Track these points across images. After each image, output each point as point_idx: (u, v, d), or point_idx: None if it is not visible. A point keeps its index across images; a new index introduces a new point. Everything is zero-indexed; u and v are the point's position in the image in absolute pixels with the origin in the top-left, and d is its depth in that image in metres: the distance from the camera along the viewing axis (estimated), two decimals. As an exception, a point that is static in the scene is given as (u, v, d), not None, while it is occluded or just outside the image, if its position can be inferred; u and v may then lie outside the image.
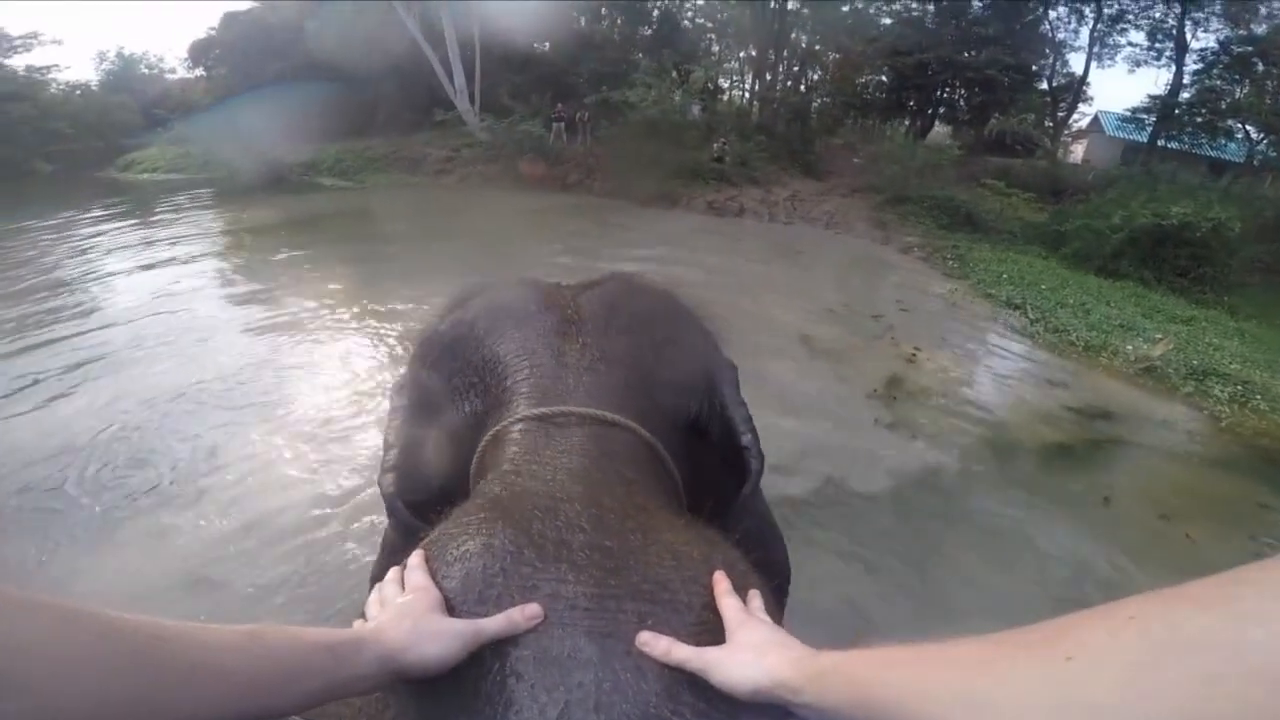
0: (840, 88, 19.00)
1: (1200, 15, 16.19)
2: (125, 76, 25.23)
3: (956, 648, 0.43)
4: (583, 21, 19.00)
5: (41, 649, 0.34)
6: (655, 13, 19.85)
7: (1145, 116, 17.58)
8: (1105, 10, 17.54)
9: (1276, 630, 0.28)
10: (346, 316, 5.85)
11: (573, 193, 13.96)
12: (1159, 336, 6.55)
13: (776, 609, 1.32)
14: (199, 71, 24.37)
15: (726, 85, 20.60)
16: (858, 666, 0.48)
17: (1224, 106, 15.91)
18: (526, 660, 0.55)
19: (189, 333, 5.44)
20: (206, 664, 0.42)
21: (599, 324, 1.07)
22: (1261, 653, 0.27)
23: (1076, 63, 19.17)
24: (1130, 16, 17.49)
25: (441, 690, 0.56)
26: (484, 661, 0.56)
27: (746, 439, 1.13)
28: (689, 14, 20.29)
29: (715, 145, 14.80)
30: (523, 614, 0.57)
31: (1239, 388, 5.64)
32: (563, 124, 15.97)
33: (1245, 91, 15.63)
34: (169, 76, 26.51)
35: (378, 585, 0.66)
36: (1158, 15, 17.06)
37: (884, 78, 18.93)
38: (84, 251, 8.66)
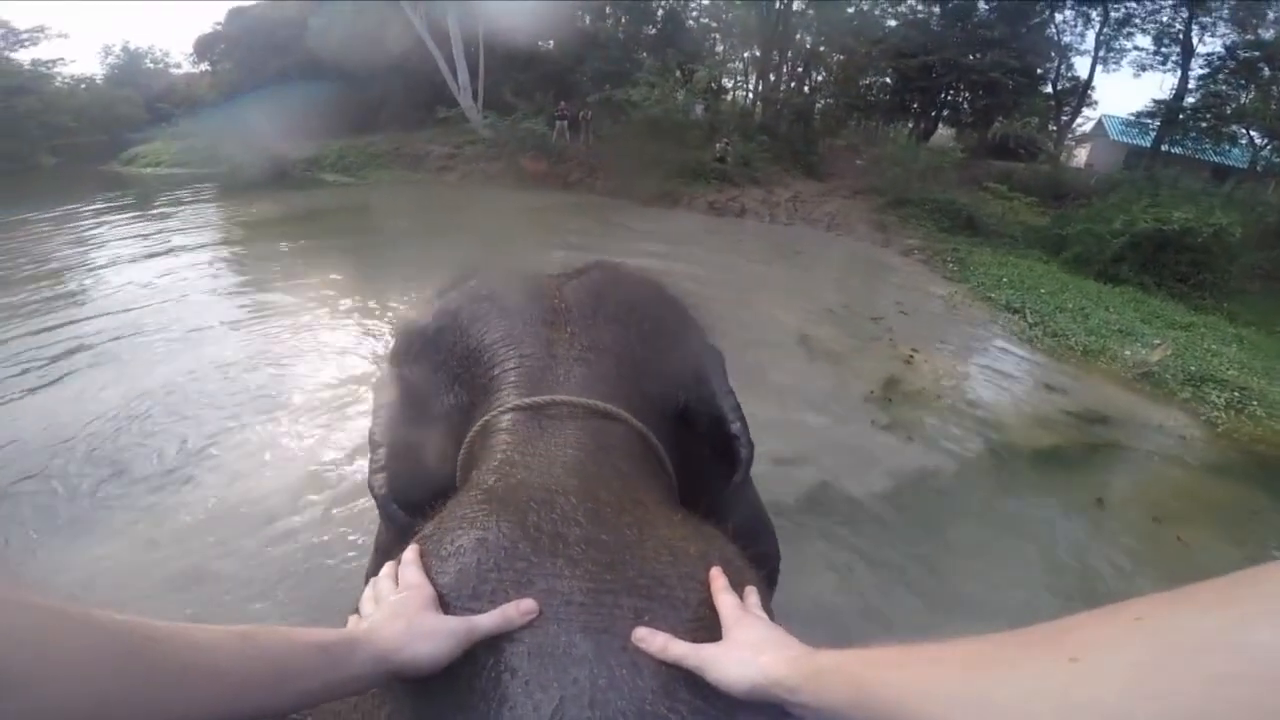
0: (844, 89, 18.95)
1: (1207, 20, 16.13)
2: (130, 71, 25.29)
3: (957, 648, 0.42)
4: (587, 20, 18.98)
5: (34, 648, 0.34)
6: (660, 12, 19.83)
7: (1149, 121, 17.52)
8: (1112, 14, 17.48)
9: None
10: (345, 311, 5.87)
11: (574, 191, 13.96)
12: (1157, 342, 6.55)
13: (767, 598, 1.32)
14: (204, 66, 24.40)
15: (730, 85, 20.56)
16: (856, 666, 0.48)
17: (1229, 111, 15.83)
18: (521, 656, 0.55)
19: (186, 324, 5.47)
20: (198, 665, 0.42)
21: (586, 312, 1.05)
22: (1268, 654, 0.27)
23: (1082, 66, 19.05)
24: (1137, 20, 17.43)
25: (437, 687, 0.56)
26: (479, 657, 0.56)
27: (735, 427, 1.12)
28: (693, 13, 20.26)
29: (718, 145, 14.78)
30: (517, 609, 0.57)
31: (1236, 394, 5.64)
32: (565, 122, 15.97)
33: (1250, 97, 15.56)
34: (174, 71, 26.60)
35: (372, 581, 0.66)
36: (1164, 19, 17.01)
37: (888, 79, 18.86)
38: (85, 243, 8.69)
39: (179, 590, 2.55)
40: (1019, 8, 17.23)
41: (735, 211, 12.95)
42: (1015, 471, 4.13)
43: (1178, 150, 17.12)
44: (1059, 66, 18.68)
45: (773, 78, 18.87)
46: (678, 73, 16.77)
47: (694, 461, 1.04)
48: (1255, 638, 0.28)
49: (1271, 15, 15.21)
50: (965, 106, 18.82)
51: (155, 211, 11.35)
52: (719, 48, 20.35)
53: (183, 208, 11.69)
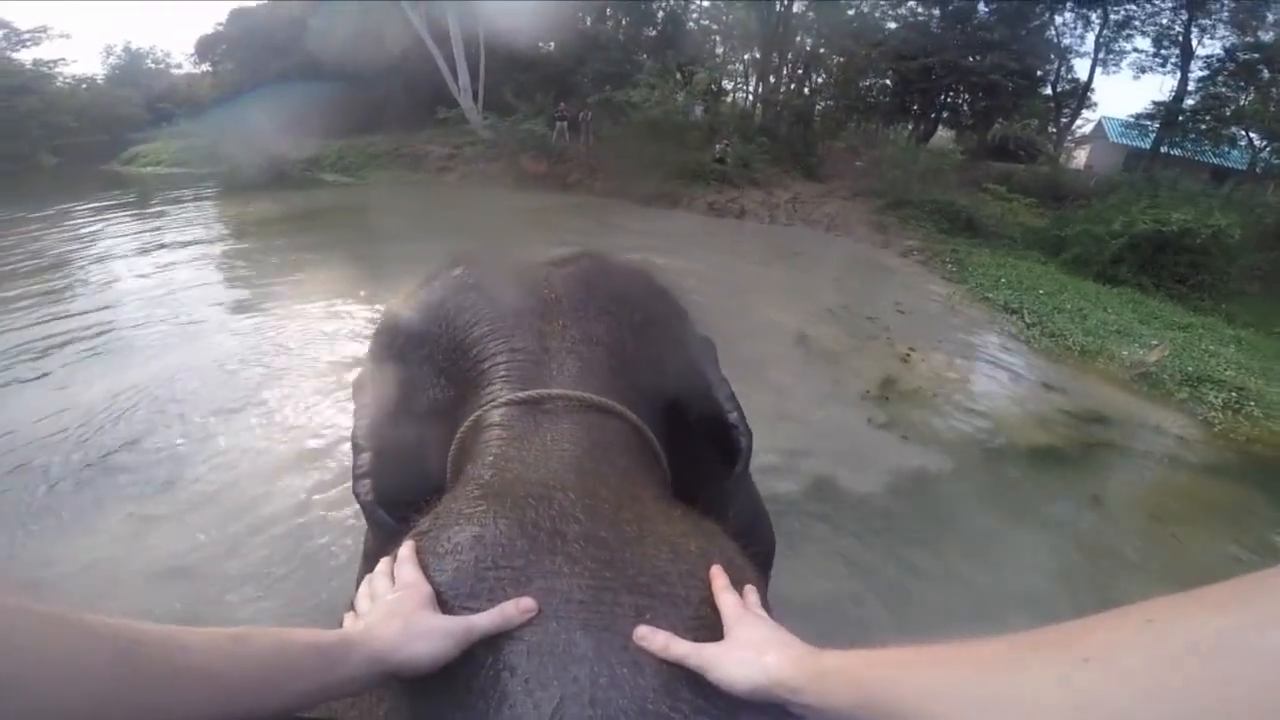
0: (844, 91, 18.97)
1: (1206, 22, 16.16)
2: (131, 71, 25.35)
3: (964, 649, 0.42)
4: (588, 21, 19.02)
5: (27, 652, 0.34)
6: (660, 14, 19.87)
7: (1149, 123, 17.53)
8: (1111, 16, 17.50)
9: None
10: (341, 309, 5.87)
11: (574, 192, 13.98)
12: (1155, 343, 6.55)
13: (766, 596, 1.30)
14: (205, 67, 24.49)
15: (730, 87, 20.60)
16: (861, 666, 0.47)
17: (1228, 113, 15.85)
18: (521, 654, 0.54)
19: (182, 320, 5.48)
20: (190, 667, 0.42)
21: (577, 303, 1.02)
22: (1279, 656, 0.27)
23: (1081, 68, 19.06)
24: (1136, 23, 17.46)
25: (435, 686, 0.55)
26: (478, 656, 0.55)
27: (733, 417, 1.09)
28: (694, 15, 20.32)
29: (717, 147, 14.80)
30: (517, 608, 0.56)
31: (1233, 394, 5.64)
32: (565, 123, 15.99)
33: (1250, 99, 15.57)
34: (175, 72, 26.67)
35: (367, 578, 0.65)
36: (1164, 21, 17.03)
37: (888, 81, 18.87)
38: (83, 240, 8.71)
39: (167, 584, 2.54)
40: (1019, 10, 17.24)
41: (735, 213, 12.97)
42: (1012, 470, 4.14)
43: (1177, 152, 17.13)
44: (1059, 68, 18.72)
45: (773, 80, 18.90)
46: (678, 74, 16.80)
47: (687, 454, 1.02)
48: (1266, 640, 0.28)
49: (1271, 18, 15.24)
50: (965, 108, 18.85)
51: (154, 210, 11.38)
52: (719, 50, 20.40)
53: (181, 207, 11.72)
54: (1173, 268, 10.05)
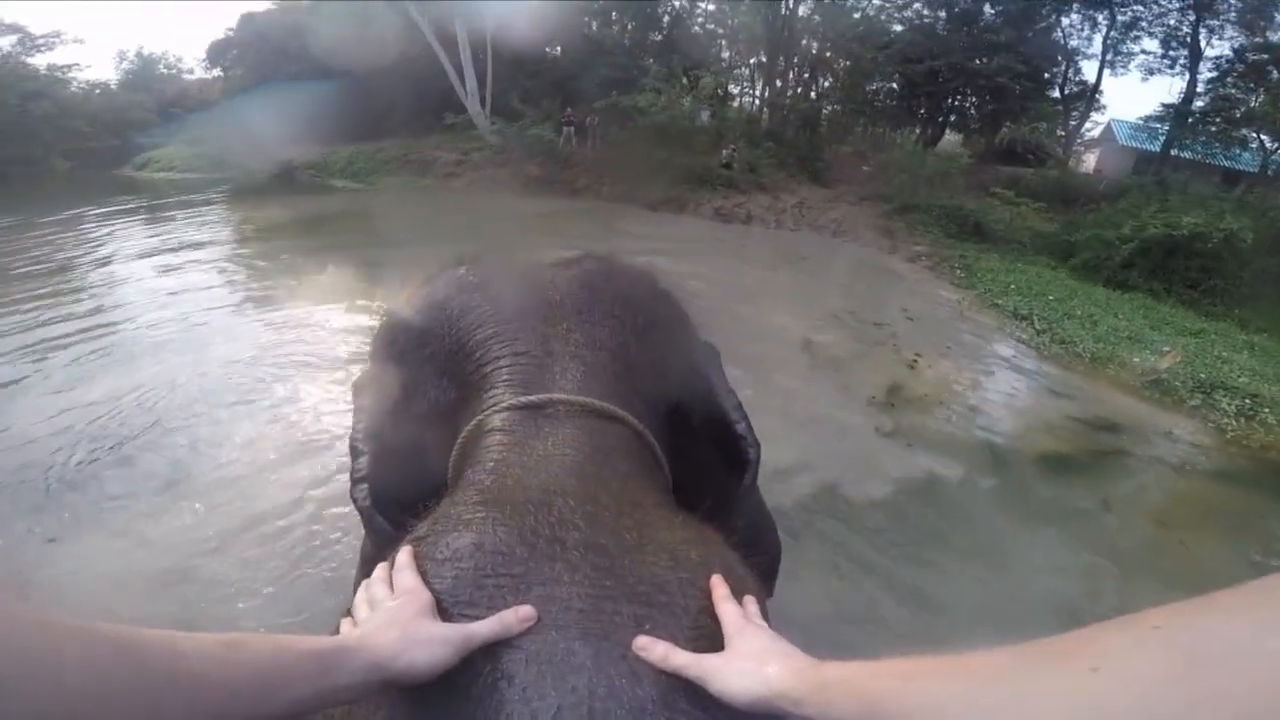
0: (850, 95, 18.94)
1: (1215, 23, 16.02)
2: (144, 76, 25.56)
3: (969, 659, 0.41)
4: (594, 26, 19.10)
5: (21, 656, 0.34)
6: (666, 18, 19.91)
7: (1159, 125, 17.40)
8: (1119, 18, 17.39)
9: None
10: (348, 314, 5.91)
11: (581, 197, 14.02)
12: (1167, 349, 6.50)
13: (766, 606, 1.30)
14: (216, 72, 24.70)
15: (736, 91, 20.60)
16: (864, 678, 0.46)
17: (1239, 115, 15.72)
18: (519, 663, 0.54)
19: (191, 326, 5.53)
20: (185, 673, 0.42)
21: (580, 306, 1.01)
22: None
23: (1089, 70, 18.95)
24: (1144, 24, 17.32)
25: (432, 694, 0.55)
26: (476, 664, 0.54)
27: (741, 427, 1.08)
28: (699, 19, 20.33)
29: (724, 151, 14.81)
30: (516, 616, 0.55)
31: (1247, 401, 5.59)
32: (572, 128, 16.03)
33: (1260, 100, 15.44)
34: (187, 77, 26.88)
35: (364, 584, 0.64)
36: (1172, 23, 16.91)
37: (894, 85, 18.83)
38: (96, 243, 8.81)
39: (167, 587, 2.55)
40: (1025, 12, 17.16)
41: (741, 218, 12.96)
42: (1020, 477, 4.12)
43: (1187, 155, 16.99)
44: (1066, 71, 18.60)
45: (779, 84, 18.88)
46: (684, 79, 16.84)
47: (690, 461, 1.02)
48: (1273, 645, 0.28)
49: (1279, 18, 15.09)
50: (972, 112, 18.78)
51: (167, 216, 11.49)
52: (725, 54, 20.38)
53: (193, 212, 11.82)
54: (1184, 272, 9.96)
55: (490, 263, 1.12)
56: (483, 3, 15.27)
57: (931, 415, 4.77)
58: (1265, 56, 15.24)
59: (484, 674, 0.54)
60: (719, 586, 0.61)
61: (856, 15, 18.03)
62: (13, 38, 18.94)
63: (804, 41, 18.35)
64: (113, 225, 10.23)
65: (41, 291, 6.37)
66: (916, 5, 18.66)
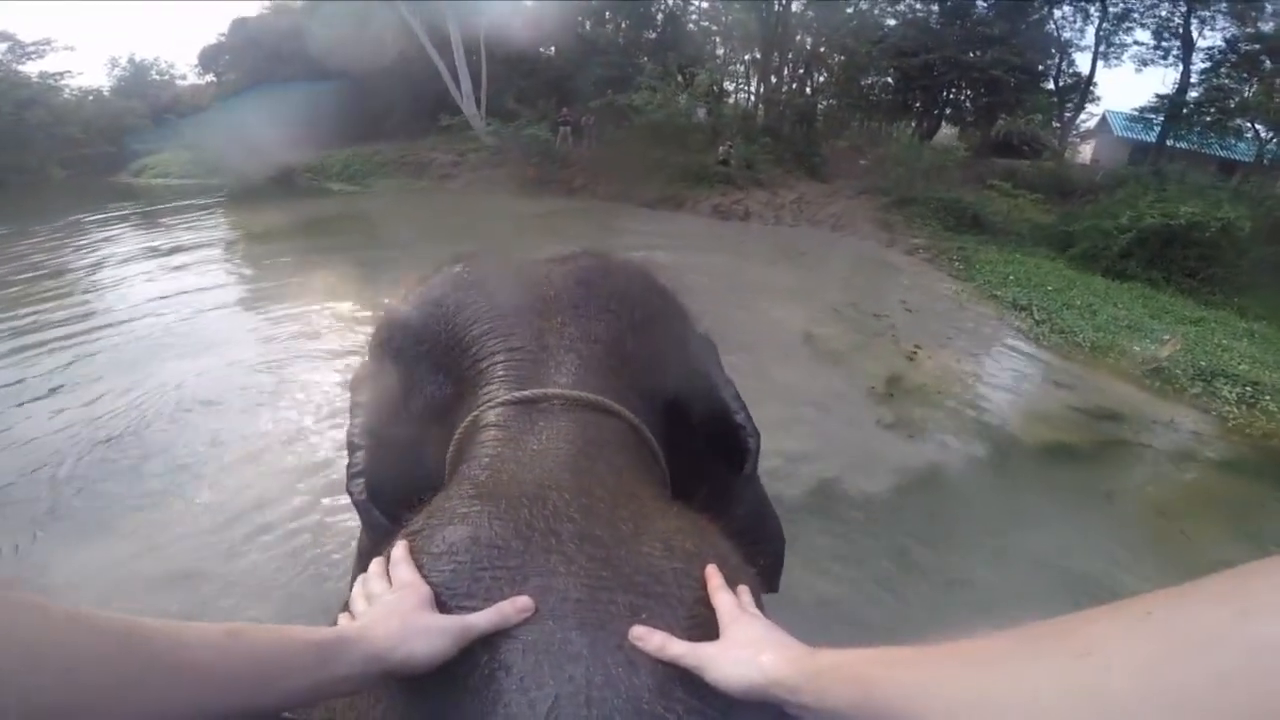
0: (845, 90, 18.96)
1: (1206, 13, 16.04)
2: (137, 82, 25.47)
3: (963, 646, 0.41)
4: (587, 25, 19.06)
5: (22, 644, 0.34)
6: (659, 16, 19.89)
7: (1153, 116, 17.41)
8: (1110, 9, 17.41)
9: None
10: (347, 314, 5.92)
11: (578, 197, 14.02)
12: (1167, 337, 6.51)
13: (774, 579, 1.31)
14: (209, 77, 24.64)
15: (731, 88, 20.60)
16: (859, 665, 0.47)
17: (1233, 105, 15.74)
18: (516, 653, 0.54)
19: (192, 328, 5.55)
20: (184, 661, 0.42)
21: (576, 301, 1.01)
22: (1278, 647, 0.27)
23: (1083, 62, 18.93)
24: (1135, 15, 17.33)
25: (432, 685, 0.55)
26: (474, 655, 0.55)
27: (740, 417, 1.09)
28: (693, 17, 20.33)
29: (720, 148, 14.81)
30: (514, 607, 0.56)
31: (1248, 389, 5.61)
32: (568, 128, 16.02)
33: (1254, 90, 15.48)
34: (180, 83, 26.79)
35: (361, 579, 0.64)
36: (1163, 14, 16.92)
37: (889, 79, 18.81)
38: (96, 250, 8.81)
39: (171, 589, 2.56)
40: (1017, 4, 17.17)
41: (740, 214, 12.97)
42: (1021, 467, 4.13)
43: (1183, 145, 17.02)
44: (1060, 63, 18.60)
45: (774, 80, 18.88)
46: (679, 77, 16.83)
47: (688, 454, 1.02)
48: (1265, 630, 0.28)
49: (1270, 8, 15.12)
50: (967, 105, 18.75)
51: (166, 222, 11.47)
52: (720, 51, 20.40)
53: (191, 217, 11.81)
54: (1182, 261, 9.98)
55: (486, 261, 1.12)
56: (474, 2, 15.26)
57: (931, 406, 4.78)
58: (1257, 47, 15.26)
59: (482, 664, 0.54)
60: (714, 576, 0.62)
61: (850, 10, 18.03)
62: (3, 45, 18.86)
63: (798, 37, 18.36)
64: (111, 231, 10.22)
65: (42, 296, 6.37)
66: (909, -1, 18.68)
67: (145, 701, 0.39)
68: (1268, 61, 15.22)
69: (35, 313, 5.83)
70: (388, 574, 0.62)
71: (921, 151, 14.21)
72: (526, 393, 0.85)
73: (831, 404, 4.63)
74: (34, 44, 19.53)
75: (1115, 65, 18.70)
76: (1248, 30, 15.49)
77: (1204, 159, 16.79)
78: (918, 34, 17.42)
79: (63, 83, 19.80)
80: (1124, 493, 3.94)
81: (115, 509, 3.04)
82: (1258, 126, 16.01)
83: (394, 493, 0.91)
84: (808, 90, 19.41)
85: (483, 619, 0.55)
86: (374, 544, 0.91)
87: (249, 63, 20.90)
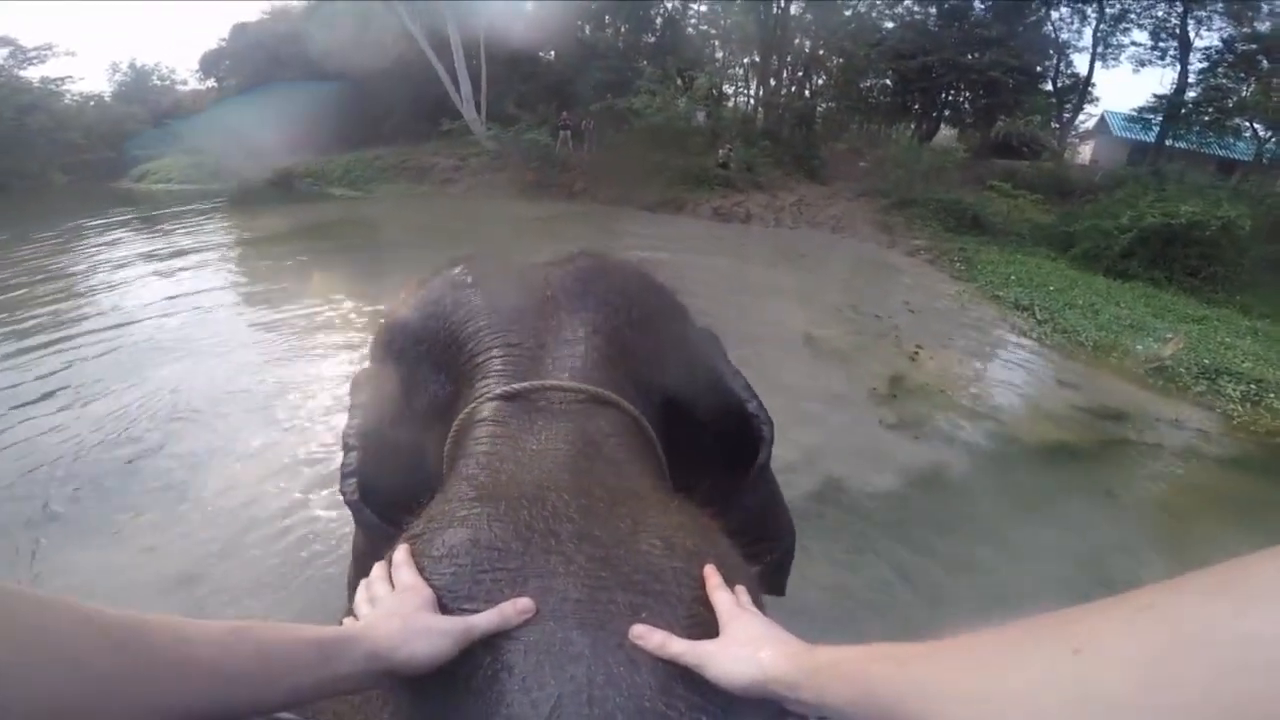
0: (844, 92, 19.02)
1: (1202, 14, 16.10)
2: (138, 87, 25.54)
3: (961, 642, 0.41)
4: (587, 29, 19.14)
5: (25, 639, 0.34)
6: (659, 20, 19.97)
7: (1152, 116, 17.46)
8: (1107, 10, 17.47)
9: None
10: (349, 318, 5.92)
11: (578, 200, 14.04)
12: (1170, 336, 6.51)
13: (781, 578, 1.30)
14: (210, 82, 24.71)
15: (730, 91, 20.67)
16: (857, 662, 0.47)
17: (1231, 105, 15.79)
18: (518, 654, 0.54)
19: (194, 333, 5.54)
20: (188, 657, 0.42)
21: (573, 299, 1.02)
22: (1273, 640, 0.27)
23: (1081, 63, 19.01)
24: (1133, 15, 17.42)
25: (434, 686, 0.55)
26: (476, 656, 0.55)
27: (752, 405, 1.09)
28: (692, 21, 20.40)
29: (720, 151, 14.84)
30: (515, 608, 0.56)
31: (1252, 386, 5.60)
32: (568, 132, 16.06)
33: (1251, 89, 15.52)
34: (181, 88, 26.86)
35: (364, 582, 0.64)
36: (1160, 14, 16.99)
37: (888, 81, 18.90)
38: (98, 255, 8.81)
39: (174, 592, 2.56)
40: (1015, 6, 17.25)
41: (740, 217, 12.99)
42: (1025, 466, 4.12)
43: (1182, 145, 17.07)
44: (1058, 64, 18.68)
45: (773, 82, 18.94)
46: (678, 80, 16.88)
47: (690, 450, 1.02)
48: (1262, 624, 0.27)
49: (1266, 8, 15.19)
50: (966, 106, 18.83)
51: (167, 227, 11.48)
52: (719, 54, 20.47)
53: (193, 223, 11.82)
54: (1184, 260, 9.99)
55: (484, 262, 1.13)
56: (473, 4, 15.31)
57: (934, 405, 4.77)
58: (1254, 46, 15.31)
59: (484, 665, 0.55)
60: (712, 575, 0.62)
61: (848, 13, 18.11)
62: (4, 50, 18.95)
63: (797, 40, 18.42)
64: (112, 236, 10.23)
65: (43, 300, 6.37)
66: (907, 2, 18.77)
67: (149, 697, 0.40)
68: (1265, 61, 15.27)
69: (36, 316, 5.83)
70: (390, 577, 0.63)
71: (921, 153, 14.25)
72: (521, 385, 0.85)
73: (834, 404, 4.62)
74: (35, 49, 19.63)
75: (1113, 66, 18.78)
76: (1244, 30, 15.55)
77: (1203, 158, 16.83)
78: (916, 36, 17.50)
79: (64, 88, 19.87)
80: (1128, 491, 3.92)
81: (116, 513, 3.04)
82: (1256, 125, 16.05)
83: (389, 493, 0.91)
84: (807, 93, 19.47)
85: (484, 620, 0.56)
86: (370, 545, 0.91)
87: (250, 67, 20.99)
